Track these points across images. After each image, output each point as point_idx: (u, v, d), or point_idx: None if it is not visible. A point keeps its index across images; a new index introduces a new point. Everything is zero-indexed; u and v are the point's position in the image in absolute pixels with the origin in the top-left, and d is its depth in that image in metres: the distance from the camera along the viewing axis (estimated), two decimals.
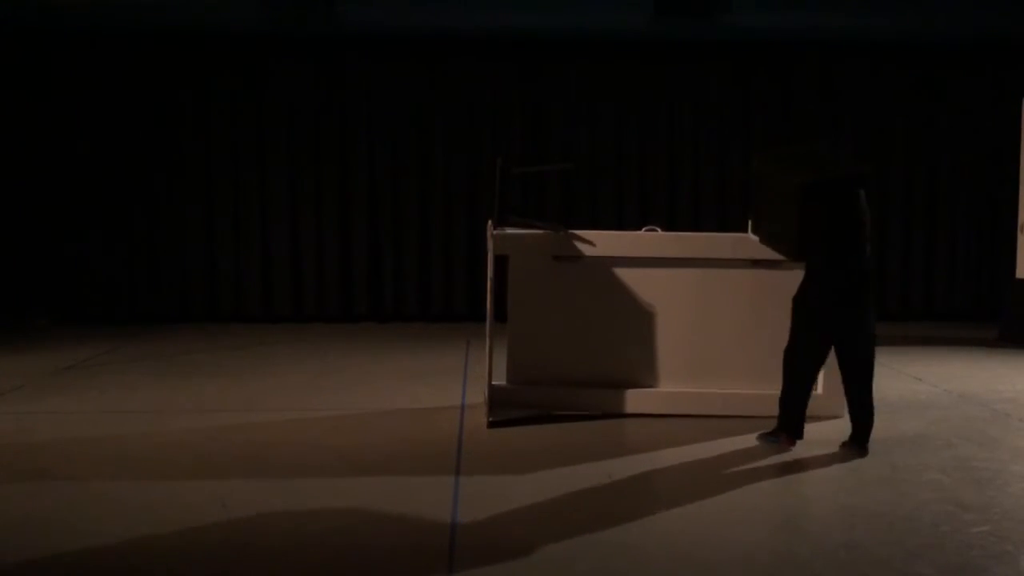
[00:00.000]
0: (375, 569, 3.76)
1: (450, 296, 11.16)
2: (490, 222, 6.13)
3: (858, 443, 5.35)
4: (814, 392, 6.20)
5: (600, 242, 6.26)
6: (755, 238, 5.55)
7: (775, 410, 5.44)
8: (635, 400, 6.22)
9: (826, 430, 5.88)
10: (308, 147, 10.97)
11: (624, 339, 6.26)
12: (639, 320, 6.25)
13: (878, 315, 5.44)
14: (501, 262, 6.18)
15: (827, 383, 6.17)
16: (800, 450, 5.34)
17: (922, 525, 4.18)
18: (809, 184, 5.02)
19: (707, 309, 6.17)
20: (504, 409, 6.08)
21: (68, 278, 10.82)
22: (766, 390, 5.68)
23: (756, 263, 6.02)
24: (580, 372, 6.26)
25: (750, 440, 5.48)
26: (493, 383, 6.04)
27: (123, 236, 10.86)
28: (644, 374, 6.29)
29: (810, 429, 5.81)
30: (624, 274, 6.25)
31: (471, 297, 10.86)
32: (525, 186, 10.78)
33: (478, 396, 6.49)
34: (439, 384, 7.27)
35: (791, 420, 5.38)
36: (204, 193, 10.94)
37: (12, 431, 5.87)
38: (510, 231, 6.26)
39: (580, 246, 6.21)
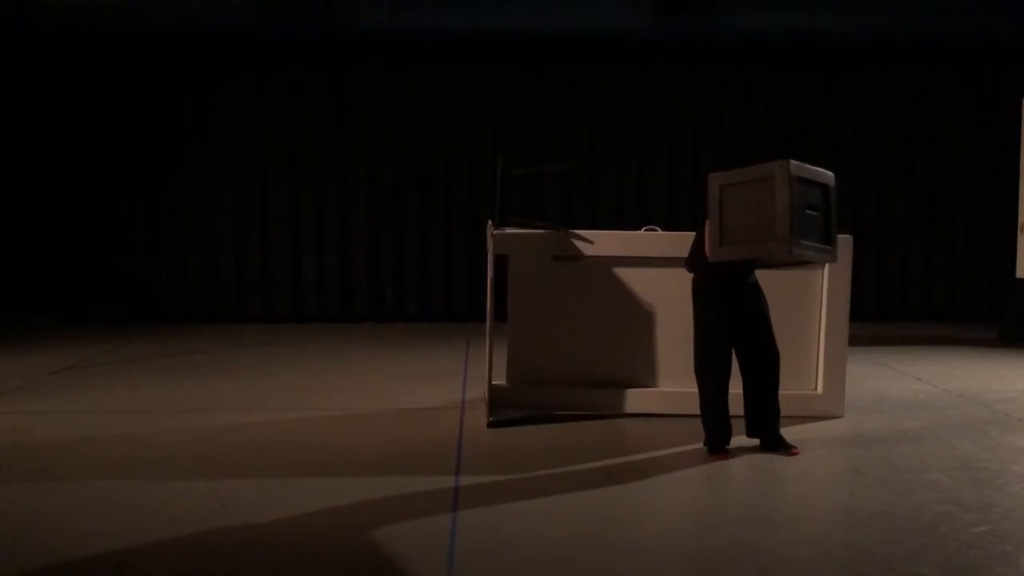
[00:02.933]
0: (375, 568, 3.76)
1: (450, 296, 11.16)
2: (490, 222, 6.13)
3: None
4: (814, 392, 6.23)
5: (600, 242, 6.26)
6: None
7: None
8: (635, 400, 6.22)
9: (826, 430, 5.89)
10: (308, 147, 10.98)
11: (624, 339, 6.26)
12: (639, 320, 6.25)
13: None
14: (501, 262, 6.18)
15: (827, 383, 6.18)
16: (800, 450, 5.33)
17: (922, 525, 4.18)
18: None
19: None
20: (504, 409, 6.08)
21: (68, 278, 10.82)
22: None
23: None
24: (580, 372, 6.26)
25: (750, 440, 5.47)
26: (493, 383, 6.04)
27: (123, 236, 10.87)
28: (644, 374, 6.28)
29: (810, 429, 5.83)
30: (624, 274, 6.24)
31: (471, 297, 10.87)
32: (525, 186, 10.78)
33: (478, 396, 6.49)
34: (439, 384, 7.27)
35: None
36: (204, 193, 10.96)
37: (12, 431, 5.87)
38: (510, 231, 6.26)
39: (580, 246, 6.21)
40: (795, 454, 5.25)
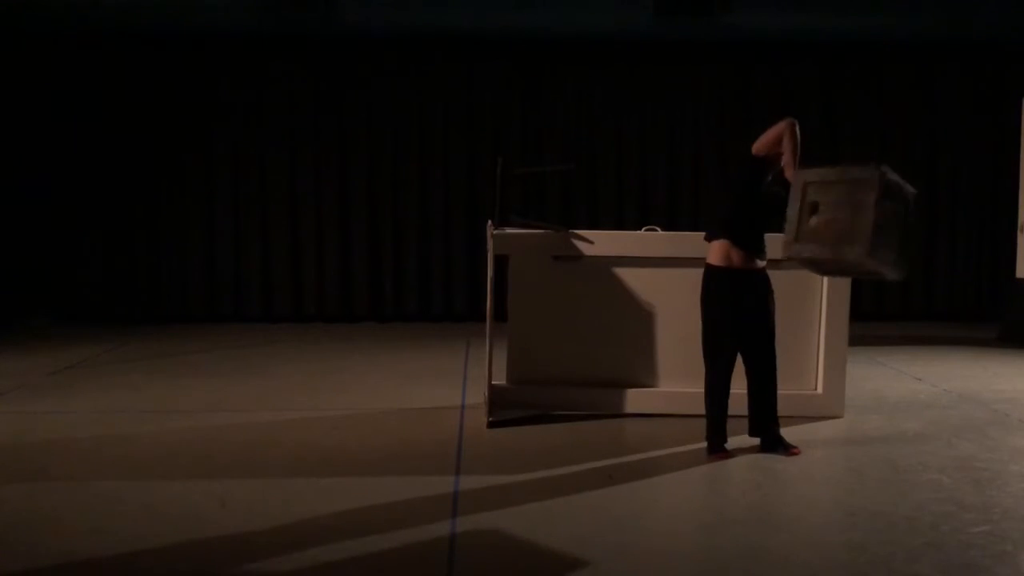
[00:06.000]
0: (375, 569, 3.76)
1: (450, 296, 11.16)
2: (490, 222, 6.13)
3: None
4: (814, 392, 6.23)
5: (600, 242, 6.26)
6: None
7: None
8: (635, 400, 6.22)
9: (826, 430, 5.89)
10: (308, 147, 10.98)
11: (624, 339, 6.26)
12: (639, 320, 6.25)
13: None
14: (501, 262, 6.18)
15: (827, 383, 6.18)
16: (800, 450, 5.33)
17: (922, 525, 4.18)
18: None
19: None
20: (504, 409, 6.08)
21: (68, 278, 10.83)
22: None
23: None
24: (580, 372, 6.26)
25: (749, 440, 5.47)
26: (493, 383, 6.04)
27: (123, 236, 10.86)
28: (644, 374, 6.29)
29: (810, 429, 5.83)
30: (624, 274, 6.25)
31: (471, 297, 10.87)
32: (525, 186, 10.78)
33: (478, 396, 6.49)
34: (439, 384, 7.27)
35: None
36: (204, 193, 10.95)
37: (12, 431, 5.87)
38: (510, 231, 6.26)
39: (580, 246, 6.21)
40: (795, 454, 5.25)
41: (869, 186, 4.63)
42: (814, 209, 4.77)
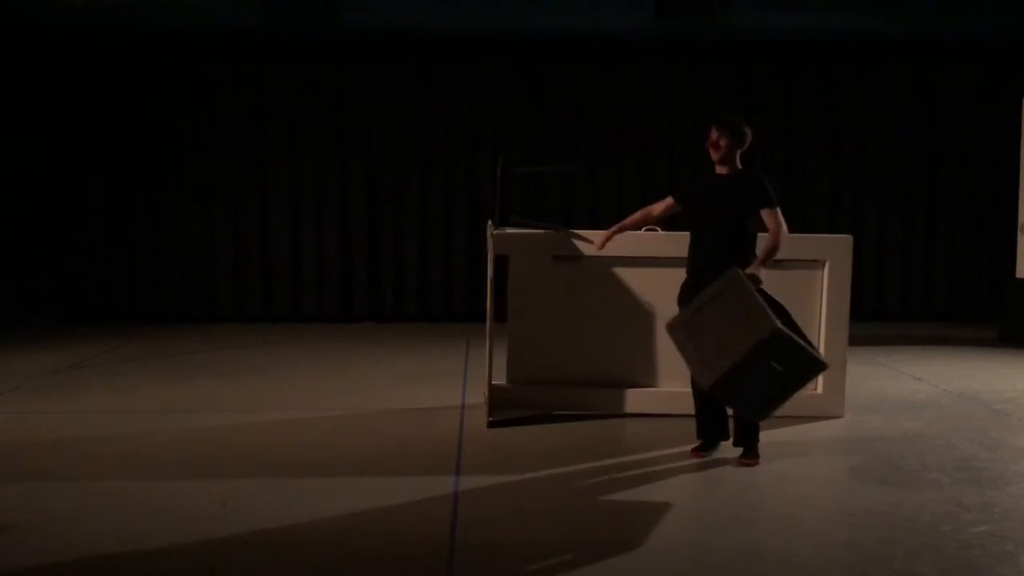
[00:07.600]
0: (375, 569, 3.76)
1: (450, 296, 11.16)
2: (490, 222, 6.13)
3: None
4: (814, 392, 6.23)
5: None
6: None
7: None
8: (635, 400, 6.22)
9: (826, 430, 5.89)
10: (308, 147, 10.97)
11: (624, 339, 6.26)
12: (639, 320, 6.25)
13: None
14: (501, 262, 6.18)
15: (827, 383, 6.18)
16: (800, 450, 5.33)
17: (922, 525, 4.18)
18: None
19: None
20: (504, 409, 6.08)
21: (68, 278, 10.83)
22: None
23: None
24: (580, 372, 6.26)
25: None
26: (493, 383, 6.04)
27: (123, 236, 10.86)
28: (644, 374, 6.28)
29: (810, 429, 5.83)
30: (624, 274, 6.25)
31: (471, 297, 10.86)
32: (525, 186, 10.78)
33: (478, 396, 6.49)
34: (439, 384, 7.27)
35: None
36: (204, 193, 10.94)
37: (12, 431, 5.87)
38: (510, 231, 6.26)
39: (580, 246, 6.21)
40: (748, 465, 5.08)
41: (754, 330, 4.42)
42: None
